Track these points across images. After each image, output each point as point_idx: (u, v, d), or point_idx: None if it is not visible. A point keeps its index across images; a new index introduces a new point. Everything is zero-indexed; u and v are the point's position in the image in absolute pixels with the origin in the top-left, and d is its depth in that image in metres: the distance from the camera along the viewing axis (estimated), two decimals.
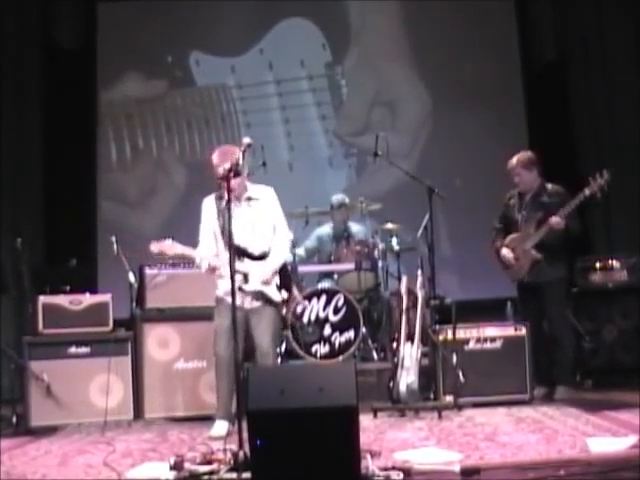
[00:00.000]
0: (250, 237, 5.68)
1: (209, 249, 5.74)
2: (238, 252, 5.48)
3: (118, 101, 9.86)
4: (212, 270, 5.70)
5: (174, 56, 9.94)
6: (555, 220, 6.50)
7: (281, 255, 5.84)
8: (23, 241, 6.89)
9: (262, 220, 5.75)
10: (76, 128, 9.46)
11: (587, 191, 6.46)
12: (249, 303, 5.66)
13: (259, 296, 5.67)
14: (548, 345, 6.74)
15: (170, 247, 5.67)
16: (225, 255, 5.61)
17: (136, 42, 9.81)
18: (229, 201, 4.89)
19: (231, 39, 9.94)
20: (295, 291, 6.14)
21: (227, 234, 5.11)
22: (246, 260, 5.64)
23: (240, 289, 5.38)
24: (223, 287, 5.66)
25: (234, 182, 5.27)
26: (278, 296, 5.75)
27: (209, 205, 5.81)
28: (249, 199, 5.74)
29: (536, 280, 6.67)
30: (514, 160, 6.82)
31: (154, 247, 5.68)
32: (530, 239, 6.66)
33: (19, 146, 8.78)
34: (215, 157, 5.61)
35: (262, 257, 5.72)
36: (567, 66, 9.56)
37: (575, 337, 7.07)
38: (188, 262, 6.26)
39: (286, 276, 5.89)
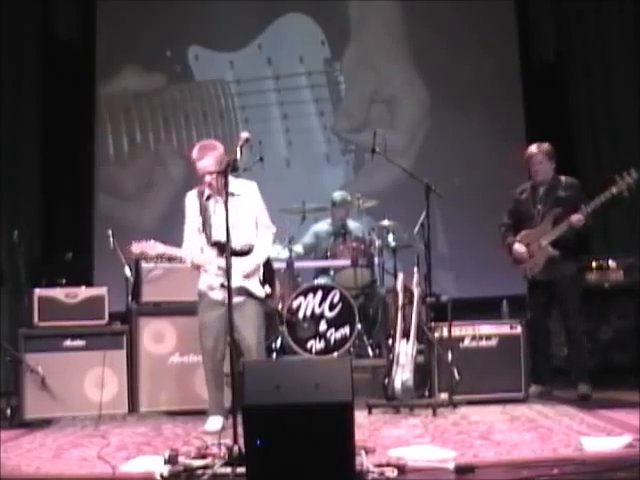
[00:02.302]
0: (230, 232, 5.62)
1: (194, 245, 5.71)
2: (219, 248, 5.49)
3: (116, 95, 9.85)
4: (196, 267, 5.70)
5: (173, 50, 9.93)
6: (576, 218, 6.37)
7: (264, 250, 5.78)
8: (20, 234, 6.87)
9: (243, 215, 5.68)
10: (74, 121, 9.44)
11: (614, 189, 6.31)
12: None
13: (241, 291, 5.62)
14: (547, 343, 6.78)
15: (152, 247, 5.60)
16: (208, 251, 5.62)
17: (135, 36, 9.80)
18: (227, 196, 4.89)
19: (230, 34, 9.92)
20: (277, 286, 6.08)
21: (222, 231, 5.13)
22: None
23: (222, 285, 5.35)
24: (205, 281, 5.68)
25: (212, 178, 5.31)
26: (261, 291, 5.71)
27: (191, 201, 5.77)
28: (230, 195, 5.68)
29: (548, 277, 6.60)
30: (535, 148, 6.69)
31: (135, 247, 5.61)
32: (547, 235, 6.54)
33: (17, 139, 8.74)
34: (195, 152, 5.59)
35: (243, 252, 5.67)
36: (566, 65, 9.56)
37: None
38: (172, 261, 6.22)
39: (269, 271, 5.84)
